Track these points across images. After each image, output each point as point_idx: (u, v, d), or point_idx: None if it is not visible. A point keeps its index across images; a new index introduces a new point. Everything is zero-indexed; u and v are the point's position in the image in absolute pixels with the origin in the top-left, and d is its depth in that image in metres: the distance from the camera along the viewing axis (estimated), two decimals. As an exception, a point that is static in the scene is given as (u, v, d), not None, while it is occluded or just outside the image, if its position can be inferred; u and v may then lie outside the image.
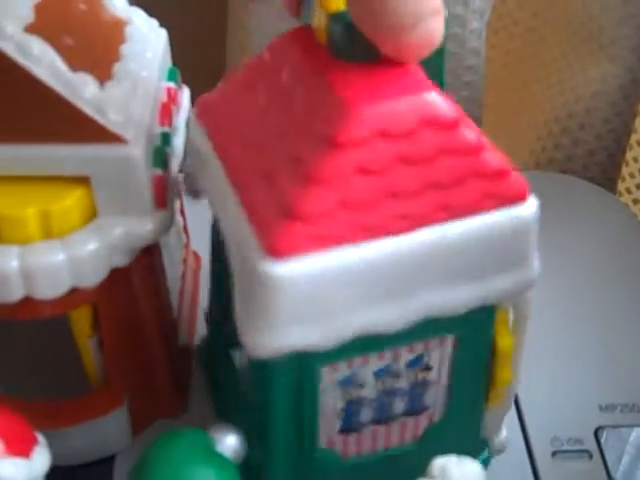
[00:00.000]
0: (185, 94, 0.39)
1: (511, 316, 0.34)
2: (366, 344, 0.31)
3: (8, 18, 0.30)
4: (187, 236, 0.44)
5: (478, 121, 0.53)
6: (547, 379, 0.42)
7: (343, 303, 0.30)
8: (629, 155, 0.57)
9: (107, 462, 0.40)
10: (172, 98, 0.38)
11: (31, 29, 0.31)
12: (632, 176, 0.58)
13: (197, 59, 0.40)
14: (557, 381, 0.42)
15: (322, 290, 0.29)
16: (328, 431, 0.34)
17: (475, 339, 0.33)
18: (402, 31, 0.28)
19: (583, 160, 0.55)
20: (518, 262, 0.32)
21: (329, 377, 0.32)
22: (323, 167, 0.29)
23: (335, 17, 0.30)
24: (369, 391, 0.33)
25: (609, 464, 0.39)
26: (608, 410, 0.41)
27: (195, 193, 0.36)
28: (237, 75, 0.34)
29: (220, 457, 0.32)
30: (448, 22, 0.30)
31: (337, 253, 0.29)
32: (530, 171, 0.56)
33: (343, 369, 0.32)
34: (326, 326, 0.30)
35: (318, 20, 0.31)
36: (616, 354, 0.43)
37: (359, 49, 0.30)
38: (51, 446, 0.33)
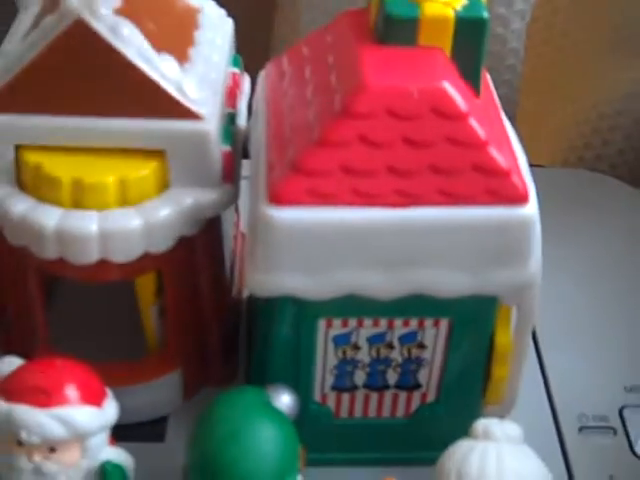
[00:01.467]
0: (246, 80, 0.42)
1: (515, 316, 0.36)
2: (360, 307, 0.34)
3: (100, 1, 0.33)
4: (238, 215, 0.47)
5: (512, 118, 0.55)
6: (575, 360, 0.44)
7: (335, 259, 0.33)
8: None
9: (160, 422, 0.42)
10: (236, 83, 0.40)
11: (120, 12, 0.34)
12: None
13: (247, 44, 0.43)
14: (584, 362, 0.44)
15: (316, 242, 0.33)
16: (322, 386, 0.37)
17: (472, 329, 0.36)
18: None
19: (611, 160, 0.57)
20: (515, 260, 0.34)
21: (325, 331, 0.35)
22: (329, 131, 0.32)
23: (387, 2, 0.33)
24: (363, 355, 0.36)
25: (632, 440, 0.41)
26: (633, 391, 0.43)
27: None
28: (298, 46, 0.37)
29: (278, 412, 0.34)
30: (490, 22, 0.32)
31: (333, 211, 0.32)
32: (560, 168, 0.58)
33: (338, 326, 0.35)
34: (318, 277, 0.33)
35: (372, 4, 0.34)
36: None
37: (397, 33, 0.33)
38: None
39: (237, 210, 0.46)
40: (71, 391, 0.34)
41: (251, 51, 0.44)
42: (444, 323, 0.35)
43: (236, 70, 0.41)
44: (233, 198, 0.37)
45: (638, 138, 0.56)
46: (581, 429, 0.42)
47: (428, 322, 0.35)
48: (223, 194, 0.36)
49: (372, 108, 0.32)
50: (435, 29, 0.33)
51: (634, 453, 0.41)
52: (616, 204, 0.53)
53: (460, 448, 0.33)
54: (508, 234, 0.33)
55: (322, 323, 0.35)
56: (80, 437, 0.34)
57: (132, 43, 0.33)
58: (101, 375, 0.39)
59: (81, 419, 0.33)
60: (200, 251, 0.38)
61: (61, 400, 0.33)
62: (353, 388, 0.37)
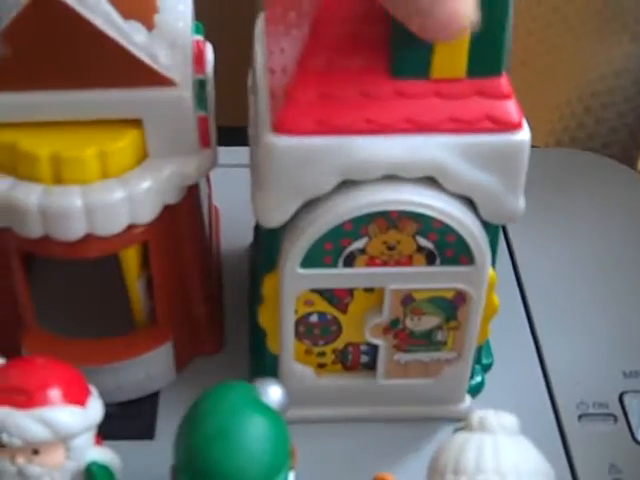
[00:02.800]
0: (209, 48, 0.42)
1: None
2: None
3: (63, -28, 0.33)
4: (210, 187, 0.47)
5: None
6: (573, 347, 0.44)
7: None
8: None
9: (151, 399, 0.42)
10: (200, 50, 0.40)
11: (83, -18, 0.34)
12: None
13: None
14: (583, 349, 0.44)
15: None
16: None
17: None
18: (421, 14, 0.29)
19: (604, 138, 0.56)
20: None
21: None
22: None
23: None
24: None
25: (633, 427, 0.41)
26: (632, 376, 0.43)
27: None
28: None
29: (267, 407, 0.33)
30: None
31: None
32: (553, 148, 0.58)
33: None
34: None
35: None
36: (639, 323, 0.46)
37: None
38: (101, 384, 0.36)
39: (209, 182, 0.46)
40: (53, 391, 0.33)
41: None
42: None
43: (199, 37, 0.40)
44: (212, 163, 0.37)
45: (631, 116, 0.55)
46: (581, 417, 0.41)
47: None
48: (202, 159, 0.36)
49: None
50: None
51: (635, 440, 0.40)
52: (611, 183, 0.53)
53: (455, 441, 0.32)
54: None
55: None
56: (63, 438, 0.33)
57: (99, 11, 0.33)
58: (92, 353, 0.39)
59: (64, 420, 0.32)
60: (183, 219, 0.38)
61: (43, 401, 0.32)
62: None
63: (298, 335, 0.38)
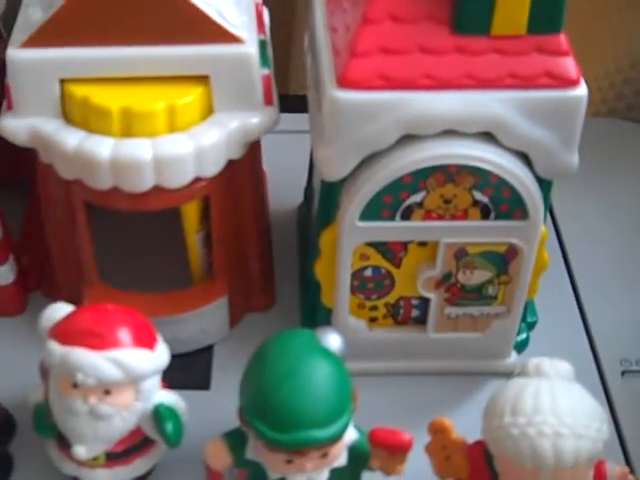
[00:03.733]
0: (266, 12, 0.43)
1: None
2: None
3: None
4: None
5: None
6: (616, 306, 0.45)
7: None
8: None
9: (207, 352, 0.43)
10: (259, 13, 0.41)
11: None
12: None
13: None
14: (625, 307, 0.45)
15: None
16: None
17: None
18: None
19: None
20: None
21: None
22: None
23: None
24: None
25: None
26: None
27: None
28: None
29: (330, 352, 0.34)
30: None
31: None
32: (592, 118, 0.57)
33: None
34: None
35: None
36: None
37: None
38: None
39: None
40: (124, 335, 0.34)
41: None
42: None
43: (258, 1, 0.42)
44: (275, 121, 0.38)
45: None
46: (624, 373, 0.43)
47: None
48: (266, 116, 0.37)
49: None
50: None
51: None
52: None
53: (513, 385, 0.33)
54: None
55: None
56: (134, 380, 0.34)
57: (171, -31, 0.34)
58: (150, 306, 0.40)
59: (135, 362, 0.34)
60: (244, 175, 0.39)
61: (115, 343, 0.34)
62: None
63: (352, 289, 0.39)
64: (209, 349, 0.44)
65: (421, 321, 0.41)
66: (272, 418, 0.31)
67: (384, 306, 0.41)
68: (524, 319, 0.43)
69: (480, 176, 0.36)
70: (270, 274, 0.45)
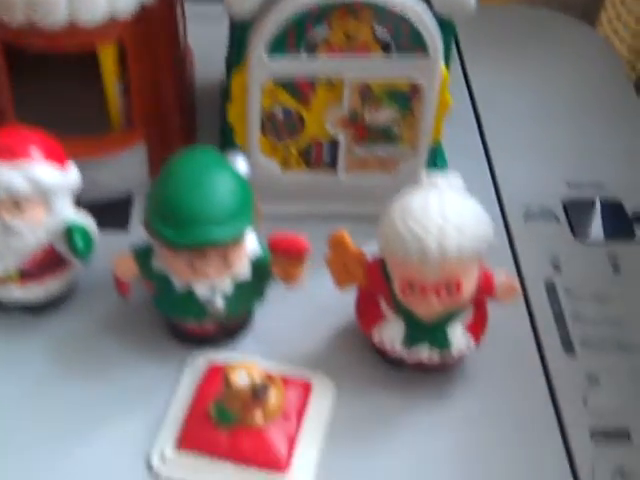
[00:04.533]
0: None
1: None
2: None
3: None
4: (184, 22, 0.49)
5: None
6: (521, 157, 0.48)
7: None
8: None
9: (126, 203, 0.45)
10: None
11: None
12: (613, 5, 0.60)
13: None
14: (530, 159, 0.48)
15: None
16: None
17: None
18: None
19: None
20: None
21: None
22: None
23: None
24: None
25: (574, 226, 0.44)
26: (574, 186, 0.46)
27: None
28: None
29: (233, 169, 0.36)
30: None
31: None
32: (513, 4, 0.60)
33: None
34: None
35: None
36: (584, 139, 0.49)
37: None
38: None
39: (182, 5, 0.49)
40: (34, 150, 0.36)
41: None
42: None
43: None
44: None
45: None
46: (527, 218, 0.45)
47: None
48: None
49: None
50: None
51: (575, 236, 0.44)
52: (566, 40, 0.55)
53: (405, 195, 0.35)
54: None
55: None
56: (43, 193, 0.36)
57: None
58: (69, 148, 0.41)
59: (44, 175, 0.36)
60: (158, 24, 0.41)
61: (25, 156, 0.35)
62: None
63: (263, 130, 0.41)
64: (129, 196, 0.45)
65: (332, 165, 0.43)
66: (172, 218, 0.33)
67: (296, 150, 0.43)
68: (435, 164, 0.45)
69: (380, 11, 0.37)
70: (191, 132, 0.47)
